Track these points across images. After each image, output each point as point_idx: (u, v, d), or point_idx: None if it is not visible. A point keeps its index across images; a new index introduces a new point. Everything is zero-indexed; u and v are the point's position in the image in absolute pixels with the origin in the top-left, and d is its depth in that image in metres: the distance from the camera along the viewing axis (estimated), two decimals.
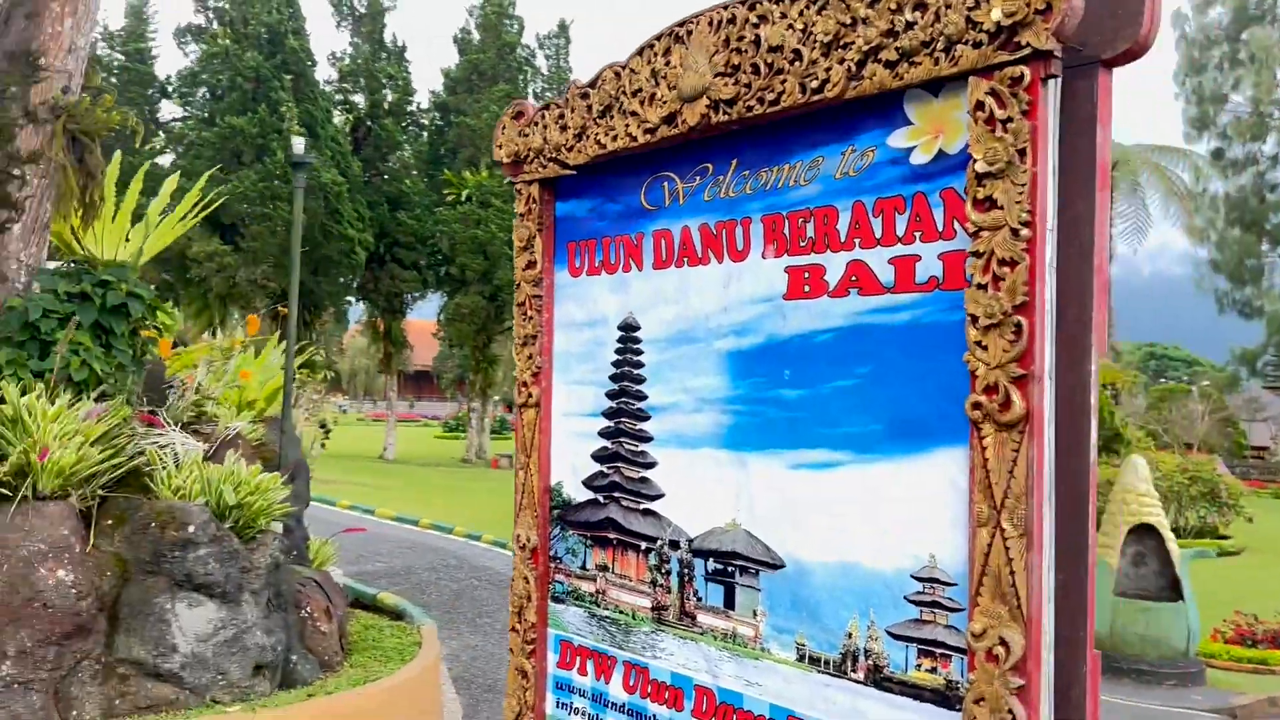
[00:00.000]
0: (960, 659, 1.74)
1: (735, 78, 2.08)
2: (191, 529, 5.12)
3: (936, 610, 1.80)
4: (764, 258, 2.13)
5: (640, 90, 2.31)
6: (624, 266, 2.46)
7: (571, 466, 2.57)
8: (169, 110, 33.15)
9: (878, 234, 1.92)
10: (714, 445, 2.22)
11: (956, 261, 1.77)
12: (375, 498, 19.50)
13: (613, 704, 2.43)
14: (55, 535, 4.90)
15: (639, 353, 2.41)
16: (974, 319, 1.70)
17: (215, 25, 31.38)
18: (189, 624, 5.12)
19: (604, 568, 2.47)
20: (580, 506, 2.54)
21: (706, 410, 2.24)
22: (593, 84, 2.45)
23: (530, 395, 2.64)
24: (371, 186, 33.18)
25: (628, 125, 2.34)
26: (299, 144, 8.91)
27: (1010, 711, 1.63)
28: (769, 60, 2.02)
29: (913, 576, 1.83)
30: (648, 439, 2.38)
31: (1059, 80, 1.67)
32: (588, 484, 2.52)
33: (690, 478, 2.28)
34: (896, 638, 1.85)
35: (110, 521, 5.18)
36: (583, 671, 2.52)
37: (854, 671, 1.92)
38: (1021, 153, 1.65)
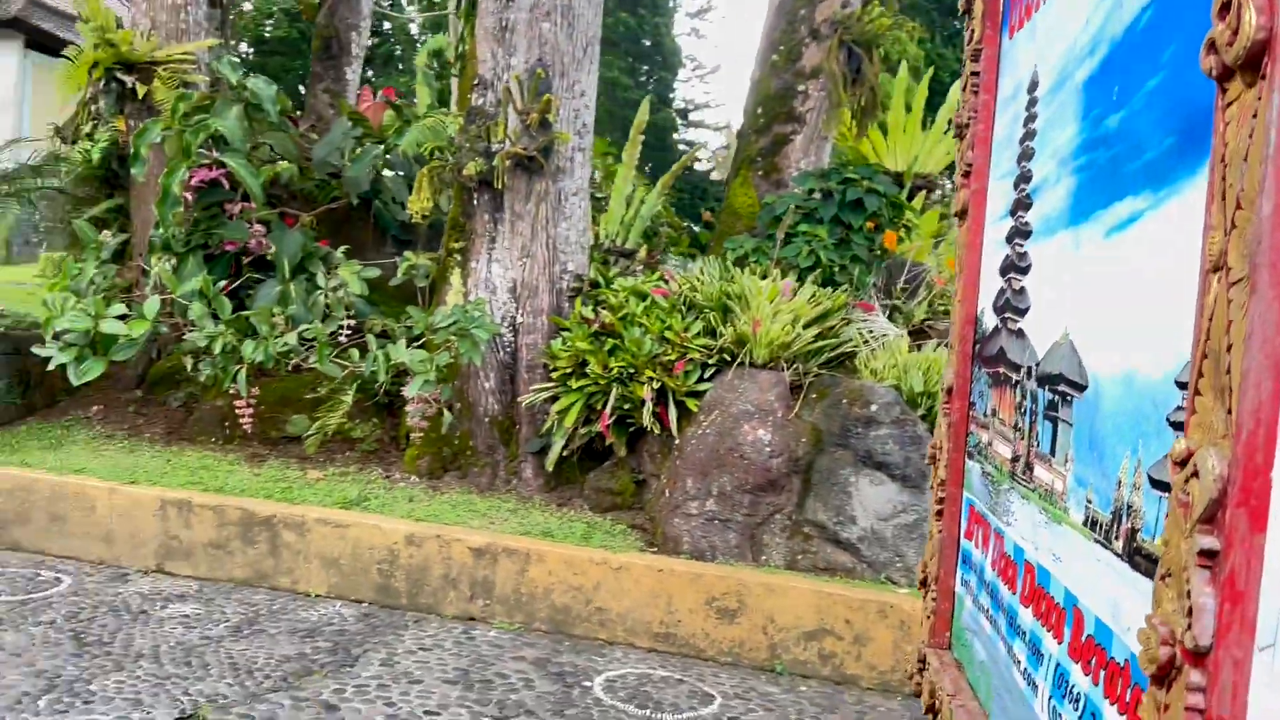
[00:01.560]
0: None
1: None
2: (874, 408, 5.25)
3: None
4: None
5: None
6: (1036, 4, 1.83)
7: (988, 289, 2.03)
8: None
9: None
10: (1063, 225, 1.54)
11: None
12: None
13: (985, 583, 1.89)
14: (762, 399, 5.47)
15: (1034, 118, 1.78)
16: None
17: None
18: (869, 500, 5.26)
19: (994, 412, 1.91)
20: (989, 337, 1.99)
21: (1062, 177, 1.56)
22: None
23: (962, 201, 2.14)
24: None
25: None
26: None
27: (1188, 592, 0.87)
28: None
29: (1176, 382, 1.07)
30: (1028, 233, 1.76)
31: None
32: (994, 306, 1.97)
33: (1047, 277, 1.63)
34: (1155, 484, 1.11)
35: (815, 395, 5.57)
36: (976, 543, 2.00)
37: (1116, 539, 1.20)
38: None
